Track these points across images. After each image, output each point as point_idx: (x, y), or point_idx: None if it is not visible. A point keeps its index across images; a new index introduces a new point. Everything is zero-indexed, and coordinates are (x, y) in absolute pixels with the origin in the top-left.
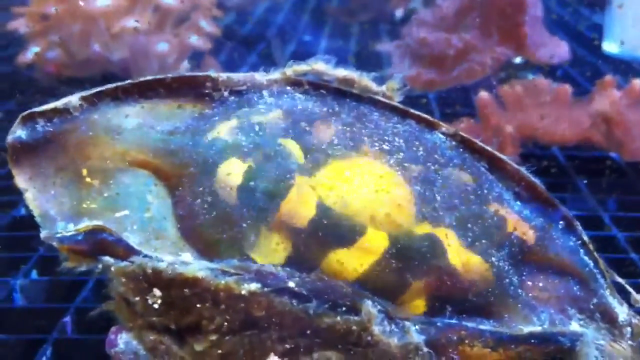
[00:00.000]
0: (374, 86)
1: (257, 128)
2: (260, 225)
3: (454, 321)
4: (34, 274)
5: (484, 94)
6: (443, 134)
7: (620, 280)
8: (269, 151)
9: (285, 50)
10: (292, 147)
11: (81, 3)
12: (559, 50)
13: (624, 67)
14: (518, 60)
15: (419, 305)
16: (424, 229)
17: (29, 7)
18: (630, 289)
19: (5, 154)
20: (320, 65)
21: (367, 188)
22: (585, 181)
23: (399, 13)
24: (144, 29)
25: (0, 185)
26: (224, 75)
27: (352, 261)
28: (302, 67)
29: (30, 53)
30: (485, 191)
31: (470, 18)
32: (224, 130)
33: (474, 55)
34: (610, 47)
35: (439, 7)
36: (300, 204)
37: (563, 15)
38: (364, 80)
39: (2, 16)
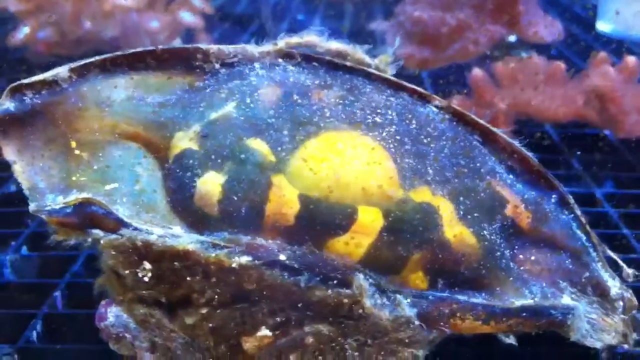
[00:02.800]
0: (367, 59)
1: (221, 130)
2: (249, 233)
3: (445, 294)
4: (24, 250)
5: (477, 71)
6: (436, 107)
7: (612, 254)
8: (239, 157)
9: (279, 29)
10: (259, 147)
11: None
12: (552, 28)
13: (618, 46)
14: (512, 38)
15: (420, 277)
16: (417, 198)
17: None
18: (622, 264)
19: None
20: (313, 38)
21: (359, 161)
22: (578, 158)
23: None
24: (136, 7)
25: None
26: (214, 47)
27: (350, 245)
28: (294, 39)
29: (22, 33)
30: (478, 164)
31: None
32: (198, 135)
33: (468, 33)
34: (603, 26)
35: None
36: (282, 204)
37: None
38: (358, 52)
39: None
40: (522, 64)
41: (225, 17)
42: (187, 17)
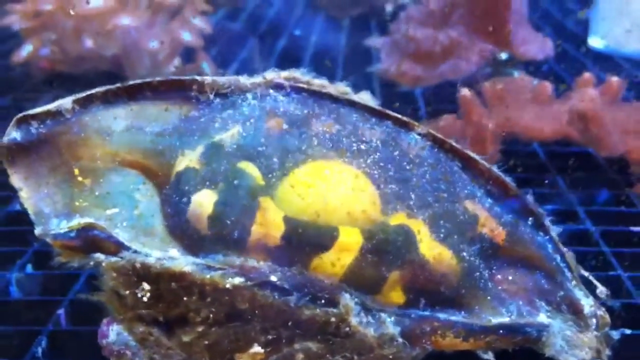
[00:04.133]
0: (348, 92)
1: (215, 157)
2: (237, 252)
3: (427, 313)
4: (29, 268)
5: (465, 91)
6: (418, 134)
7: (585, 273)
8: (231, 180)
9: (276, 45)
10: (250, 170)
11: (74, 0)
12: (543, 46)
13: (609, 63)
14: (503, 56)
15: (398, 296)
16: (397, 221)
17: (22, 4)
18: (596, 282)
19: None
20: (298, 74)
21: (344, 187)
22: (564, 176)
23: (389, 8)
24: (136, 26)
25: None
26: (209, 79)
27: (332, 263)
28: (283, 73)
29: (25, 51)
30: (458, 189)
31: (456, 14)
32: (194, 159)
33: (460, 51)
34: (595, 42)
35: (427, 3)
36: (268, 225)
37: (549, 11)
38: (340, 87)
39: None
40: (510, 84)
41: (223, 32)
42: (187, 37)
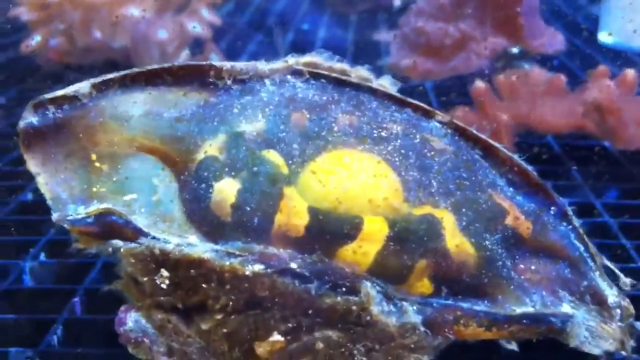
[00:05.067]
0: (369, 76)
1: (235, 143)
2: (260, 241)
3: (450, 302)
4: (43, 257)
5: (479, 84)
6: (439, 122)
7: (609, 264)
8: (253, 168)
9: (284, 39)
10: (273, 158)
11: None
12: (554, 40)
13: (619, 58)
14: (514, 50)
15: (426, 285)
16: (421, 210)
17: None
18: (619, 273)
19: (10, 141)
20: (318, 58)
21: (365, 174)
22: (578, 169)
23: (397, 2)
24: (145, 17)
25: (5, 170)
26: (227, 64)
27: (358, 253)
28: (302, 58)
29: (33, 41)
30: (480, 177)
31: (467, 8)
32: (215, 147)
33: (471, 45)
34: (605, 37)
35: None
36: (292, 215)
37: (559, 6)
38: (361, 71)
39: (5, 3)
40: (523, 76)
41: (231, 25)
42: (196, 28)
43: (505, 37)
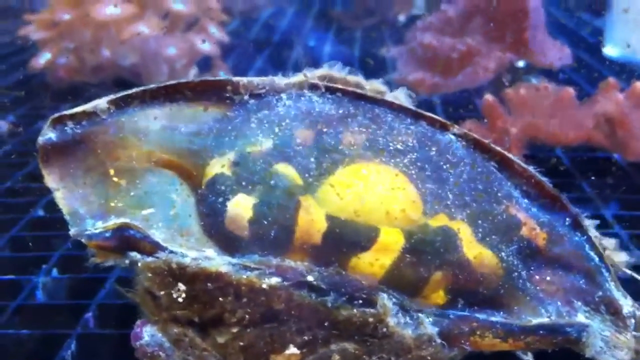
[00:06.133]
0: (383, 89)
1: (251, 157)
2: (279, 253)
3: (466, 313)
4: (55, 272)
5: (489, 97)
6: (454, 134)
7: (627, 270)
8: (268, 181)
9: (290, 55)
10: (288, 172)
11: (91, 10)
12: (561, 54)
13: (625, 71)
14: (521, 64)
15: (440, 297)
16: (438, 222)
17: (39, 14)
18: (639, 277)
19: (22, 158)
20: (332, 71)
21: (382, 186)
22: (589, 181)
23: (402, 18)
24: (154, 35)
25: (18, 187)
26: (244, 80)
27: (373, 263)
28: (317, 72)
29: (42, 58)
30: (495, 189)
31: (474, 23)
32: (231, 161)
33: (478, 59)
34: (611, 50)
35: (444, 11)
36: (310, 223)
37: (565, 20)
38: (375, 84)
39: (15, 23)
40: (532, 90)
41: (238, 42)
42: (204, 45)
43: (511, 52)
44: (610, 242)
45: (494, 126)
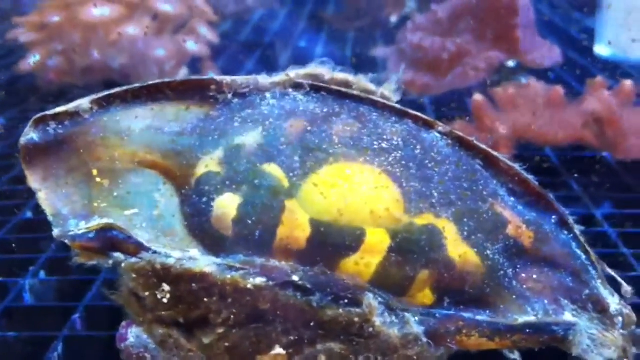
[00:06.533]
0: (372, 87)
1: (236, 157)
2: (263, 254)
3: (452, 312)
4: (42, 275)
5: (478, 96)
6: (439, 132)
7: (611, 272)
8: (254, 181)
9: (282, 56)
10: (274, 171)
11: (80, 12)
12: (551, 53)
13: (615, 69)
14: (511, 63)
15: (427, 296)
16: (423, 220)
17: (28, 16)
18: (621, 280)
19: (9, 160)
20: (320, 69)
21: (366, 186)
22: (578, 180)
23: (394, 19)
24: (143, 36)
25: (5, 189)
26: (228, 79)
27: (360, 265)
28: (303, 70)
29: (31, 60)
30: (481, 187)
31: (463, 22)
32: (215, 161)
33: (468, 59)
34: (601, 49)
35: (434, 12)
36: (294, 227)
37: (555, 20)
38: (362, 81)
39: (4, 26)
40: (522, 89)
41: (229, 43)
42: (194, 46)
43: (501, 51)
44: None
45: (483, 125)
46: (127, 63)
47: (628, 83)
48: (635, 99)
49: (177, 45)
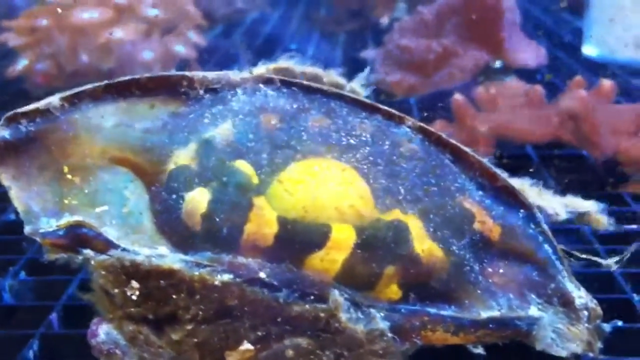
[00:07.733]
0: (342, 81)
1: (206, 153)
2: (230, 251)
3: (417, 307)
4: (22, 275)
5: (458, 96)
6: (409, 127)
7: (581, 255)
8: (223, 178)
9: (273, 58)
10: (243, 168)
11: (68, 15)
12: (537, 54)
13: (603, 70)
14: (497, 64)
15: (394, 291)
16: (390, 217)
17: (17, 20)
18: (601, 260)
19: None
20: (288, 63)
21: (333, 182)
22: (557, 178)
23: (384, 21)
24: (131, 39)
25: None
26: (199, 74)
27: (326, 261)
28: (272, 65)
29: (20, 65)
30: (448, 182)
31: (449, 24)
32: (185, 157)
33: (454, 60)
34: (589, 50)
35: (419, 12)
36: (261, 224)
37: (543, 20)
38: (332, 75)
39: None
40: (502, 88)
41: (219, 47)
42: (181, 49)
43: (487, 52)
44: (590, 204)
45: (464, 125)
46: (115, 66)
47: (606, 82)
48: (615, 97)
49: (165, 48)
